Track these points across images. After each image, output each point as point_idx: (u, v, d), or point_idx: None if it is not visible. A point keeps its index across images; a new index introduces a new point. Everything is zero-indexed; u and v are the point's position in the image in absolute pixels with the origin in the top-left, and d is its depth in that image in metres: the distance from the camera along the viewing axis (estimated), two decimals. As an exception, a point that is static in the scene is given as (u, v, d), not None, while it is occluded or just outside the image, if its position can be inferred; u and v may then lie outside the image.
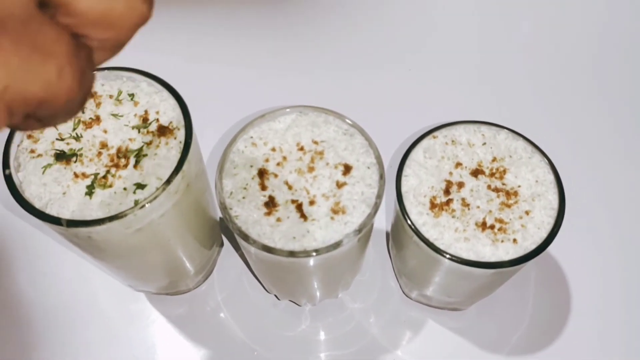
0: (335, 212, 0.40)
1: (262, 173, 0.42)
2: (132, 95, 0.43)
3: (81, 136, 0.41)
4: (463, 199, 0.43)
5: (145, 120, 0.41)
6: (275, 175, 0.42)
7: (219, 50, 0.74)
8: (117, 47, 0.20)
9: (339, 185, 0.42)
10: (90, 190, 0.38)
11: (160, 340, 0.55)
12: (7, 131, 0.40)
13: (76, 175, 0.39)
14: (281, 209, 0.41)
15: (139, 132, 0.41)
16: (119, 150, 0.40)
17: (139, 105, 0.42)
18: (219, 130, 0.63)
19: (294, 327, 0.55)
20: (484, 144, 0.45)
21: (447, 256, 0.40)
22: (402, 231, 0.44)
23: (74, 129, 0.41)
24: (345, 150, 0.43)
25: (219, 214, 0.54)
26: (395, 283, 0.57)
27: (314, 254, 0.39)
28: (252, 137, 0.44)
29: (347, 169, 0.42)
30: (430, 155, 0.45)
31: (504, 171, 0.44)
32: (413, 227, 0.41)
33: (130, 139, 0.41)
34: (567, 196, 0.42)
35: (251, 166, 0.43)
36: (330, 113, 0.44)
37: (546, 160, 0.44)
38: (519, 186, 0.43)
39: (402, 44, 0.74)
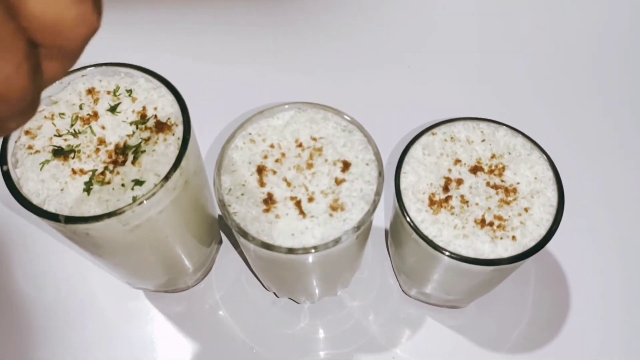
0: (334, 209, 0.40)
1: (260, 170, 0.42)
2: (130, 91, 0.42)
3: (79, 132, 0.41)
4: (462, 196, 0.43)
5: (143, 116, 0.41)
6: (274, 172, 0.42)
7: (217, 46, 0.73)
8: (66, 57, 0.20)
9: (338, 182, 0.41)
10: (88, 187, 0.38)
11: (158, 338, 0.54)
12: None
13: (74, 172, 0.39)
14: (280, 205, 0.41)
15: (137, 128, 0.41)
16: (117, 146, 0.40)
17: (137, 102, 0.42)
18: (217, 127, 0.63)
19: (293, 325, 0.55)
20: (483, 140, 0.45)
21: (446, 253, 0.40)
22: (401, 228, 0.44)
23: (72, 125, 0.41)
24: (344, 146, 0.43)
25: (217, 211, 0.54)
26: (394, 281, 0.57)
27: (313, 250, 0.38)
28: (250, 134, 0.44)
29: (346, 165, 0.42)
30: (429, 152, 0.44)
31: (503, 168, 0.44)
32: (412, 224, 0.41)
33: (128, 135, 0.41)
34: (566, 193, 0.42)
35: (249, 163, 0.43)
36: (329, 109, 0.44)
37: (545, 157, 0.44)
38: (518, 183, 0.43)
39: (401, 41, 0.74)
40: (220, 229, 0.58)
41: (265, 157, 0.43)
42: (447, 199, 0.42)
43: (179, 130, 0.40)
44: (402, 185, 0.43)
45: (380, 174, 0.41)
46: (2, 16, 0.17)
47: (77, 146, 0.40)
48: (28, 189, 0.38)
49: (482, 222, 0.41)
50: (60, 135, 0.40)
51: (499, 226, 0.41)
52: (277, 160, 0.43)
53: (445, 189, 0.43)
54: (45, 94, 0.39)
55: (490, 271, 0.41)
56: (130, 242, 0.41)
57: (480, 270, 0.41)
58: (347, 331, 0.55)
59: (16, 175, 0.39)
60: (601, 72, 0.71)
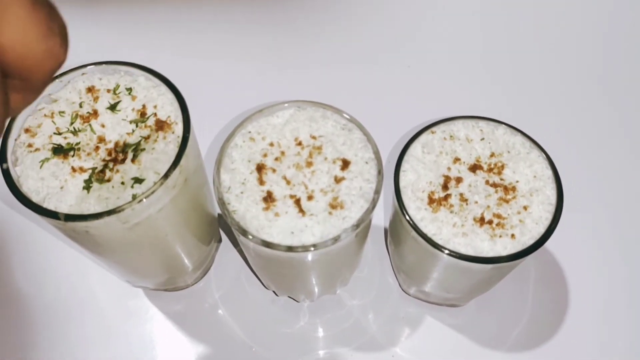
0: (333, 207, 0.40)
1: (260, 168, 0.42)
2: (129, 90, 0.43)
3: (79, 130, 0.41)
4: (461, 194, 0.43)
5: (143, 114, 0.41)
6: (274, 170, 0.42)
7: (217, 45, 0.74)
8: (31, 89, 0.20)
9: (337, 180, 0.42)
10: (87, 185, 0.38)
11: (158, 336, 0.54)
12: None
13: (74, 170, 0.39)
14: (279, 203, 0.41)
15: (136, 126, 0.41)
16: (116, 144, 0.40)
17: (137, 100, 0.42)
18: (217, 125, 0.63)
19: (292, 324, 0.55)
20: (482, 139, 0.45)
21: (446, 251, 0.40)
22: (400, 227, 0.44)
23: (72, 123, 0.41)
24: (343, 145, 0.43)
25: (217, 210, 0.54)
26: (393, 279, 0.57)
27: (312, 248, 0.39)
28: (250, 132, 0.44)
29: (346, 164, 0.42)
30: (429, 150, 0.45)
31: (502, 166, 0.44)
32: (411, 222, 0.41)
33: (128, 133, 0.41)
34: (565, 191, 0.42)
35: (249, 161, 0.43)
36: (329, 108, 0.44)
37: (544, 156, 0.44)
38: (517, 181, 0.43)
39: (401, 40, 0.74)
40: (220, 227, 0.58)
41: (265, 155, 0.43)
42: (446, 197, 0.42)
43: (178, 129, 0.41)
44: (402, 184, 0.43)
45: (380, 172, 0.42)
46: None
47: (76, 144, 0.40)
48: (28, 187, 0.38)
49: (482, 221, 0.41)
50: (60, 134, 0.41)
51: (498, 224, 0.41)
52: (276, 159, 0.43)
53: (445, 187, 0.43)
54: (45, 92, 0.39)
55: (489, 269, 0.41)
56: (129, 240, 0.41)
57: (479, 268, 0.41)
58: (347, 330, 0.55)
59: (16, 173, 0.39)
60: (601, 71, 0.71)
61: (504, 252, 0.40)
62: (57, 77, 0.42)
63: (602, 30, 0.75)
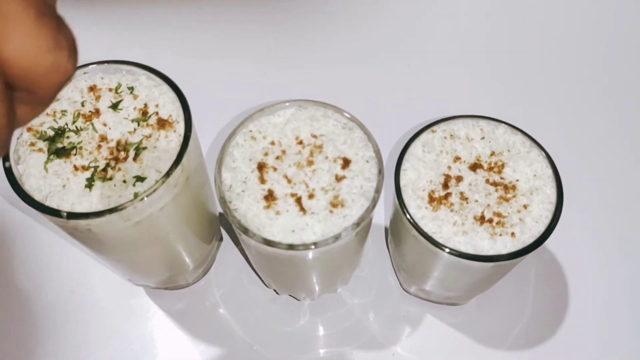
0: (334, 205, 0.41)
1: (261, 167, 0.42)
2: (131, 89, 0.43)
3: (81, 129, 0.41)
4: (461, 193, 0.43)
5: (144, 113, 0.42)
6: (275, 169, 0.42)
7: (218, 44, 0.74)
8: (38, 103, 0.19)
9: (338, 178, 0.42)
10: (90, 183, 0.38)
11: (159, 335, 0.55)
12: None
13: (76, 168, 0.39)
14: (280, 202, 0.41)
15: (138, 125, 0.41)
16: (118, 143, 0.40)
17: (139, 99, 0.42)
18: (218, 124, 0.63)
19: (293, 323, 0.55)
20: (483, 138, 0.45)
21: (446, 250, 0.40)
22: (400, 225, 0.44)
23: (74, 122, 0.41)
24: (344, 144, 0.43)
25: (218, 209, 0.54)
26: (394, 278, 0.57)
27: (313, 247, 0.39)
28: (251, 131, 0.44)
29: (346, 162, 0.42)
30: (429, 149, 0.45)
31: (503, 165, 0.44)
32: (412, 220, 0.41)
33: (129, 132, 0.41)
34: (565, 190, 0.43)
35: (250, 160, 0.43)
36: (329, 107, 0.44)
37: (544, 155, 0.44)
38: (517, 180, 0.43)
39: (401, 39, 0.74)
40: (221, 226, 0.58)
41: (266, 154, 0.43)
42: (446, 195, 0.43)
43: (180, 127, 0.41)
44: (402, 182, 0.43)
45: (380, 171, 0.42)
46: None
47: (78, 143, 0.40)
48: (30, 185, 0.39)
49: (482, 219, 0.42)
50: (62, 132, 0.41)
51: (498, 223, 0.41)
52: (277, 158, 0.43)
53: (445, 186, 0.43)
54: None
55: (489, 267, 0.41)
56: (131, 238, 0.41)
57: (479, 267, 0.41)
58: (347, 329, 0.55)
59: (18, 171, 0.39)
60: (601, 71, 0.71)
61: (504, 251, 0.40)
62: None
63: (602, 29, 0.75)
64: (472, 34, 0.75)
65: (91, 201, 0.38)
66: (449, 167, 0.44)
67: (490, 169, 0.44)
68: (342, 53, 0.73)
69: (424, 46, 0.74)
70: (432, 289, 0.51)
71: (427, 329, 0.55)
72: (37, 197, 0.38)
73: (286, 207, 0.41)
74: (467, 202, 0.42)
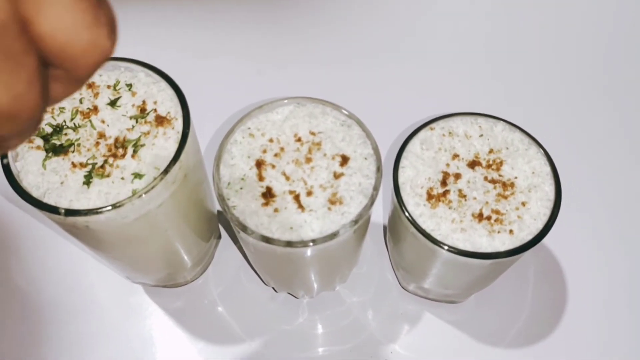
0: (332, 202, 0.41)
1: (259, 164, 0.42)
2: (130, 86, 0.43)
3: (79, 126, 0.41)
4: (460, 190, 0.43)
5: (143, 110, 0.42)
6: (273, 166, 0.42)
7: (217, 41, 0.74)
8: (74, 82, 0.19)
9: (336, 176, 0.42)
10: (88, 180, 0.38)
11: (157, 332, 0.55)
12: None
13: (74, 165, 0.39)
14: (278, 199, 0.41)
15: (136, 122, 0.41)
16: (116, 140, 0.40)
17: (137, 96, 0.42)
18: (217, 122, 0.63)
19: (292, 321, 0.55)
20: (481, 135, 0.45)
21: (444, 247, 0.40)
22: (399, 223, 0.44)
23: (72, 119, 0.41)
24: (342, 141, 0.43)
25: (216, 206, 0.54)
26: (392, 276, 0.57)
27: (311, 244, 0.39)
28: (249, 128, 0.44)
29: (345, 160, 0.42)
30: (427, 146, 0.45)
31: (501, 163, 0.44)
32: (410, 218, 0.41)
33: (128, 129, 0.41)
34: (563, 187, 0.43)
35: (249, 157, 0.43)
36: (328, 104, 0.44)
37: (543, 152, 0.44)
38: (516, 177, 0.43)
39: (400, 37, 0.74)
40: (220, 223, 0.58)
41: (264, 151, 0.43)
42: (445, 193, 0.43)
43: (178, 124, 0.41)
44: (401, 180, 0.43)
45: (379, 168, 0.42)
46: (15, 31, 0.16)
47: (76, 140, 0.40)
48: (28, 182, 0.39)
49: (480, 216, 0.42)
50: (60, 130, 0.41)
51: (496, 220, 0.41)
52: (276, 155, 0.43)
53: (443, 183, 0.43)
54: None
55: (487, 265, 0.41)
56: (129, 235, 0.41)
57: (477, 264, 0.41)
58: (346, 326, 0.55)
59: (16, 168, 0.39)
60: (600, 68, 0.71)
61: (502, 248, 0.40)
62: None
63: (601, 27, 0.75)
64: (471, 32, 0.75)
65: (89, 198, 0.38)
66: (448, 165, 0.44)
67: (489, 166, 0.44)
68: (340, 51, 0.73)
69: (422, 44, 0.74)
70: (431, 286, 0.51)
71: (425, 327, 0.55)
72: (35, 194, 0.38)
73: (284, 204, 0.41)
74: (465, 200, 0.42)
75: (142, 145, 0.40)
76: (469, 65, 0.72)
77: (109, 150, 0.40)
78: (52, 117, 0.41)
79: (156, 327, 0.55)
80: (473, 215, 0.42)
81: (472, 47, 0.73)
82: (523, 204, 0.42)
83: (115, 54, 0.43)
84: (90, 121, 0.41)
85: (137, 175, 0.39)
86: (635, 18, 0.76)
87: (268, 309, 0.56)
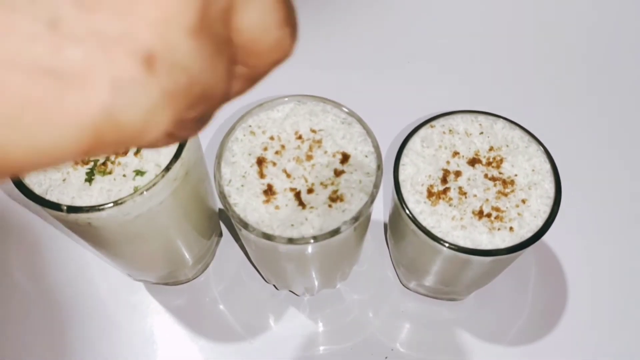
0: (333, 200, 0.41)
1: (260, 161, 0.43)
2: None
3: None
4: (460, 188, 0.43)
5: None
6: (274, 164, 0.42)
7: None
8: (249, 81, 0.19)
9: (337, 173, 0.42)
10: (89, 177, 0.39)
11: (158, 330, 0.55)
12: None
13: (76, 162, 0.39)
14: (279, 196, 0.41)
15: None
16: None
17: (139, 94, 0.42)
18: (218, 119, 0.63)
19: (293, 318, 0.55)
20: (481, 133, 0.45)
21: (445, 244, 0.40)
22: (399, 220, 0.44)
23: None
24: (343, 139, 0.43)
25: (217, 204, 0.54)
26: (393, 274, 0.57)
27: (312, 241, 0.39)
28: (250, 126, 0.44)
29: (345, 157, 0.42)
30: (428, 144, 0.45)
31: (501, 160, 0.44)
32: (410, 215, 0.41)
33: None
34: (563, 185, 0.43)
35: (250, 154, 0.43)
36: (328, 102, 0.45)
37: (543, 150, 0.44)
38: (516, 175, 0.43)
39: (400, 35, 0.75)
40: (221, 221, 0.58)
41: (265, 149, 0.43)
42: (445, 190, 0.43)
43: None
44: (401, 177, 0.43)
45: (379, 166, 0.42)
46: (221, 20, 0.16)
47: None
48: (30, 179, 0.39)
49: (480, 214, 0.42)
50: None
51: (496, 217, 0.41)
52: (276, 152, 0.43)
53: (444, 180, 0.43)
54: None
55: (488, 262, 0.42)
56: (131, 232, 0.41)
57: (478, 261, 0.41)
58: (346, 324, 0.55)
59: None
60: (599, 66, 0.71)
61: (503, 245, 0.41)
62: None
63: (600, 25, 0.75)
64: (471, 30, 0.75)
65: (91, 195, 0.38)
66: (448, 162, 0.44)
67: (489, 163, 0.44)
68: (341, 49, 0.73)
69: (423, 42, 0.74)
70: (431, 284, 0.51)
71: (426, 325, 0.55)
72: (37, 190, 0.38)
73: (285, 201, 0.41)
74: (465, 197, 0.43)
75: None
76: (470, 63, 0.72)
77: (111, 147, 0.40)
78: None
79: (157, 324, 0.55)
80: (473, 212, 0.42)
81: (472, 45, 0.74)
82: (523, 201, 0.42)
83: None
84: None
85: (139, 173, 0.39)
86: (636, 16, 0.76)
87: (269, 306, 0.56)
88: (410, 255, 0.49)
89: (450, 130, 0.45)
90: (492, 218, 0.42)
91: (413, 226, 0.41)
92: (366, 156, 0.43)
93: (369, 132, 0.43)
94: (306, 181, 0.42)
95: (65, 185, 0.38)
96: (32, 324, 0.55)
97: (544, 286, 0.56)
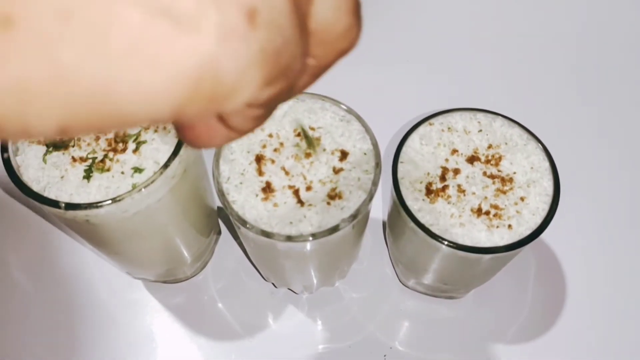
0: (331, 197, 0.41)
1: (259, 159, 0.42)
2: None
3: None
4: (459, 185, 0.43)
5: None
6: (273, 161, 0.42)
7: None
8: (315, 74, 0.18)
9: (336, 171, 0.42)
10: (88, 174, 0.39)
11: (157, 328, 0.55)
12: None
13: (74, 160, 0.39)
14: (278, 194, 0.41)
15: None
16: (116, 134, 0.40)
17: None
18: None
19: (292, 316, 0.55)
20: (480, 131, 0.45)
21: (444, 242, 0.40)
22: (398, 218, 0.44)
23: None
24: (342, 136, 0.43)
25: (216, 202, 0.54)
26: (391, 272, 0.57)
27: (311, 238, 0.39)
28: (249, 124, 0.44)
29: (344, 155, 0.42)
30: (427, 142, 0.45)
31: (500, 158, 0.44)
32: (409, 212, 0.41)
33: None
34: (562, 183, 0.43)
35: (248, 152, 0.43)
36: (327, 100, 0.45)
37: (541, 147, 0.44)
38: (514, 173, 0.43)
39: (399, 33, 0.75)
40: (220, 219, 0.58)
41: (264, 146, 0.43)
42: (444, 188, 0.43)
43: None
44: (400, 175, 0.43)
45: (378, 163, 0.42)
46: (306, 6, 0.16)
47: (77, 135, 0.40)
48: (28, 176, 0.39)
49: (479, 211, 0.42)
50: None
51: (495, 215, 0.41)
52: (275, 150, 0.43)
53: (442, 178, 0.43)
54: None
55: (486, 259, 0.42)
56: (129, 230, 0.41)
57: (476, 259, 0.41)
58: (345, 322, 0.55)
59: (17, 162, 0.39)
60: (598, 64, 0.71)
61: (501, 243, 0.41)
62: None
63: (601, 23, 0.75)
64: (470, 28, 0.75)
65: (89, 192, 0.38)
66: (447, 160, 0.44)
67: (488, 161, 0.44)
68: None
69: (421, 40, 0.74)
70: (430, 282, 0.51)
71: (424, 323, 0.55)
72: (36, 188, 0.38)
73: (284, 199, 0.41)
74: (464, 195, 0.42)
75: (142, 140, 0.40)
76: (469, 60, 0.72)
77: (109, 144, 0.40)
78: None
79: (156, 322, 0.55)
80: (472, 210, 0.42)
81: (471, 43, 0.74)
82: (522, 199, 0.42)
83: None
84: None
85: (137, 170, 0.39)
86: (635, 15, 0.76)
87: (267, 304, 0.56)
88: (409, 253, 0.49)
89: (449, 128, 0.45)
90: (491, 216, 0.41)
91: (412, 224, 0.41)
92: (365, 154, 0.42)
93: (367, 130, 0.43)
94: (305, 179, 0.42)
95: (63, 182, 0.38)
96: (31, 321, 0.55)
97: (542, 284, 0.56)
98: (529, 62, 0.72)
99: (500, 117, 0.46)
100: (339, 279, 0.56)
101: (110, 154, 0.39)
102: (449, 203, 0.42)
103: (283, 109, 0.45)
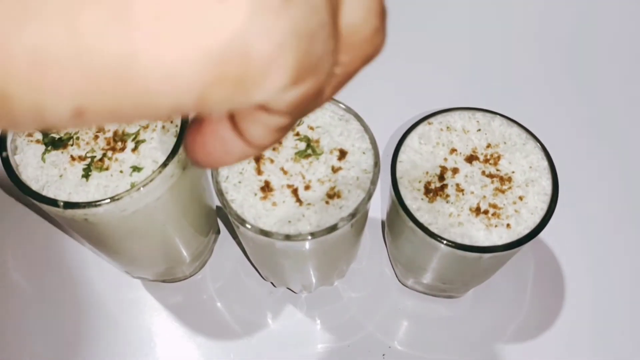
0: (330, 196, 0.41)
1: (258, 158, 0.43)
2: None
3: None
4: (457, 185, 0.43)
5: (141, 104, 0.42)
6: (271, 161, 0.42)
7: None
8: (340, 82, 0.17)
9: (335, 170, 0.42)
10: (86, 173, 0.39)
11: (156, 327, 0.55)
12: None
13: (73, 158, 0.39)
14: (277, 193, 0.41)
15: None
16: (115, 133, 0.40)
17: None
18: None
19: (290, 316, 0.55)
20: (479, 130, 0.45)
21: (442, 241, 0.40)
22: (397, 217, 0.44)
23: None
24: (340, 135, 0.43)
25: (215, 201, 0.54)
26: (390, 271, 0.57)
27: (309, 237, 0.39)
28: (248, 123, 0.44)
29: (343, 154, 0.42)
30: (425, 141, 0.45)
31: (498, 157, 0.44)
32: (408, 212, 0.41)
33: (126, 123, 0.41)
34: (561, 182, 0.43)
35: (247, 151, 0.43)
36: (326, 99, 0.45)
37: (540, 147, 0.44)
38: (513, 172, 0.43)
39: (398, 32, 0.74)
40: (219, 218, 0.58)
41: (263, 145, 0.43)
42: (442, 187, 0.43)
43: (177, 118, 0.41)
44: (398, 174, 0.43)
45: (377, 162, 0.42)
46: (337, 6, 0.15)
47: (75, 133, 0.40)
48: (27, 175, 0.39)
49: (477, 211, 0.42)
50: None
51: (493, 214, 0.42)
52: (274, 149, 0.43)
53: (441, 177, 0.43)
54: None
55: (485, 258, 0.42)
56: (128, 229, 0.41)
57: (475, 258, 0.41)
58: (344, 322, 0.55)
59: (15, 161, 0.39)
60: (597, 64, 0.71)
61: (500, 242, 0.41)
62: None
63: (599, 22, 0.75)
64: (469, 27, 0.75)
65: (88, 191, 0.38)
66: (445, 159, 0.44)
67: (486, 160, 0.44)
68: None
69: (421, 39, 0.74)
70: (429, 281, 0.51)
71: (423, 322, 0.55)
72: (34, 186, 0.38)
73: (283, 198, 0.41)
74: (463, 194, 0.43)
75: (141, 139, 0.40)
76: (468, 60, 0.72)
77: (108, 143, 0.40)
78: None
79: (155, 322, 0.55)
80: (470, 209, 0.42)
81: (470, 42, 0.74)
82: (520, 198, 0.42)
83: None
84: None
85: (136, 169, 0.39)
86: (635, 15, 0.76)
87: (266, 304, 0.56)
88: (407, 253, 0.49)
89: (447, 127, 0.45)
90: (490, 215, 0.42)
91: (410, 223, 0.41)
92: (363, 153, 0.43)
93: (366, 129, 0.43)
94: (303, 178, 0.42)
95: (62, 181, 0.38)
96: (29, 320, 0.55)
97: (541, 283, 0.56)
98: (528, 62, 0.72)
99: (499, 116, 0.46)
100: (338, 278, 0.56)
101: (109, 153, 0.39)
102: (447, 202, 0.42)
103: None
